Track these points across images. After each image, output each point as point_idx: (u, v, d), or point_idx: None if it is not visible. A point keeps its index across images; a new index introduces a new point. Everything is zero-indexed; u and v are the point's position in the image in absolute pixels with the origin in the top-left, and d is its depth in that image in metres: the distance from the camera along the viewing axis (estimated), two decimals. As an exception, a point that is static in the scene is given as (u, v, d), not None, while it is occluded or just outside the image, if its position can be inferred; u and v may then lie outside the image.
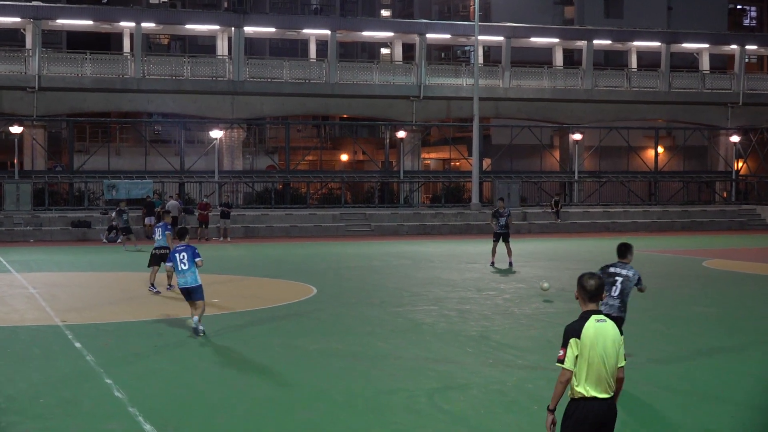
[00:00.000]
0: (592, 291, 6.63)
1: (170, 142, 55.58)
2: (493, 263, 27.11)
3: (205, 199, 41.86)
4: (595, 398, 6.42)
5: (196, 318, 14.84)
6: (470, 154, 51.15)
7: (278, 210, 45.54)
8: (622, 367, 6.59)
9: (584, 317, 6.56)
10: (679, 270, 27.00)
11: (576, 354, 6.44)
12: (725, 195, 56.41)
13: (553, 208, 47.55)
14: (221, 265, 27.38)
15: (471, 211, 46.88)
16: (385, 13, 75.27)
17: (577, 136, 51.88)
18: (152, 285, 20.45)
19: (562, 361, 6.47)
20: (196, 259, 14.91)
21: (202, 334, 14.68)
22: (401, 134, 49.69)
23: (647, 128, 56.93)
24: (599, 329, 6.47)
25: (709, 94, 56.93)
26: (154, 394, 11.01)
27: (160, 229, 20.89)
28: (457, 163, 60.67)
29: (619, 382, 6.62)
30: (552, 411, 6.57)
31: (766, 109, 57.33)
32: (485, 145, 54.19)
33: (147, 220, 39.32)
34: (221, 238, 39.67)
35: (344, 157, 62.53)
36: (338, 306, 18.57)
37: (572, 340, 6.47)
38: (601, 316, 6.55)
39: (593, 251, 33.78)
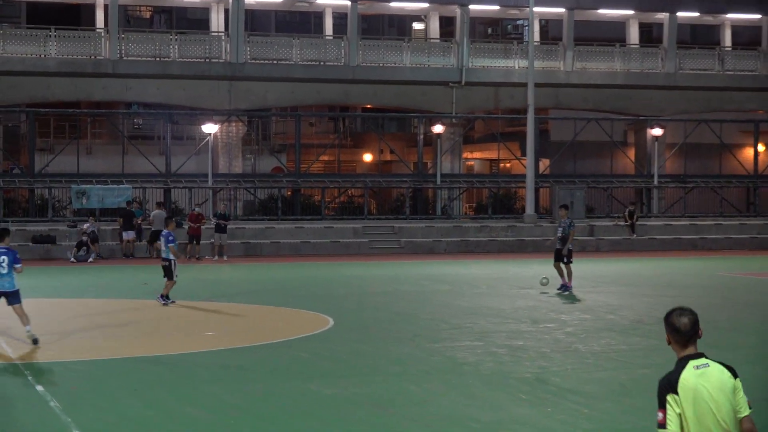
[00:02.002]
0: (687, 330, 6.43)
1: (153, 138, 55.91)
2: (563, 286, 26.71)
3: (196, 209, 41.99)
4: None
5: (29, 327, 17.22)
6: (523, 153, 51.09)
7: (286, 222, 45.67)
8: (746, 417, 6.37)
9: (680, 365, 6.42)
10: (785, 298, 26.81)
11: (679, 412, 6.32)
12: (844, 204, 56.00)
13: (626, 221, 47.37)
14: (216, 291, 27.45)
15: (525, 224, 46.78)
16: (418, -21, 75.40)
17: (657, 132, 51.68)
18: (161, 297, 23.38)
19: (663, 426, 6.34)
20: (16, 266, 17.11)
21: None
22: (438, 129, 49.72)
23: (744, 121, 56.63)
24: (701, 377, 6.34)
25: (823, 78, 56.59)
26: (133, 448, 11.07)
27: (163, 238, 23.50)
28: (508, 165, 60.62)
29: None
30: None
31: None
32: (542, 143, 54.09)
33: (125, 235, 39.41)
34: (216, 257, 39.80)
35: (368, 158, 62.67)
36: (360, 341, 18.60)
37: (669, 397, 6.34)
38: (702, 361, 6.40)
39: (676, 274, 33.62)
